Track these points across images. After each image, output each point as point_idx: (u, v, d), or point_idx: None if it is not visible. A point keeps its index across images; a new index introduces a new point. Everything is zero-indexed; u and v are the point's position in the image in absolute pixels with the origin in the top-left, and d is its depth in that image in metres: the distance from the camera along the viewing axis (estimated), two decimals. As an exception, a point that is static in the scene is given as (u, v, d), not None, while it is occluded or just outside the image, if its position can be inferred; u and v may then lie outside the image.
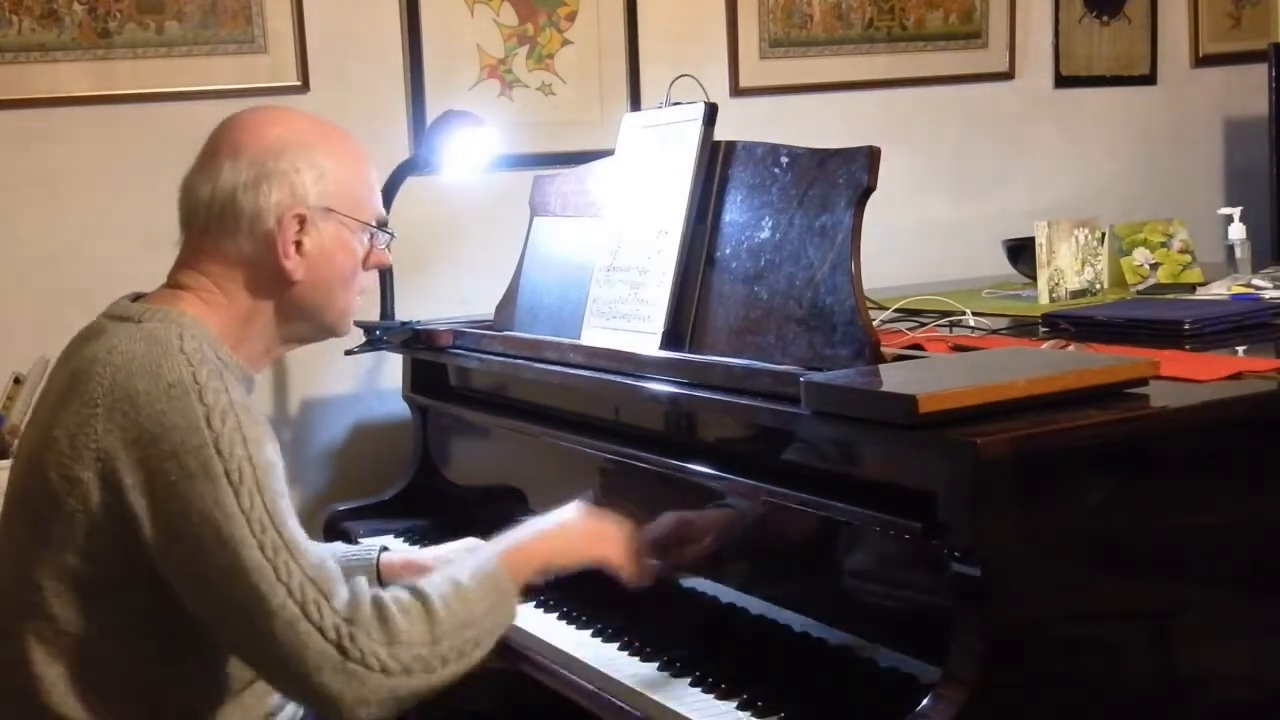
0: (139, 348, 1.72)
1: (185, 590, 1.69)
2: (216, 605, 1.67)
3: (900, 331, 2.39)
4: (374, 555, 2.18)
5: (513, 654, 2.08)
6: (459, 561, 1.85)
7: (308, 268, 1.84)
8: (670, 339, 2.14)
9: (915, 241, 3.60)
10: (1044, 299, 2.74)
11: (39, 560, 1.72)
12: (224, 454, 1.66)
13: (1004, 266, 3.15)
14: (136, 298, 1.86)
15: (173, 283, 1.87)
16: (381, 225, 1.94)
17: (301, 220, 1.82)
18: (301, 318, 1.89)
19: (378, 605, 1.68)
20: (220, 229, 1.83)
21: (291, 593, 1.63)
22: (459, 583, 1.75)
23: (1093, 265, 2.80)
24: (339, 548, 2.23)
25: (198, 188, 1.84)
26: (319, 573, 1.66)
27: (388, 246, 1.96)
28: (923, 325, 2.48)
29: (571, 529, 1.94)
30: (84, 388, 1.72)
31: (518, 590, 1.82)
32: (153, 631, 1.73)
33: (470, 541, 2.20)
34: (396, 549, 2.30)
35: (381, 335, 2.80)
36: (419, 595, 1.72)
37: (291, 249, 1.82)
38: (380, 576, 2.15)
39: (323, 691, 1.63)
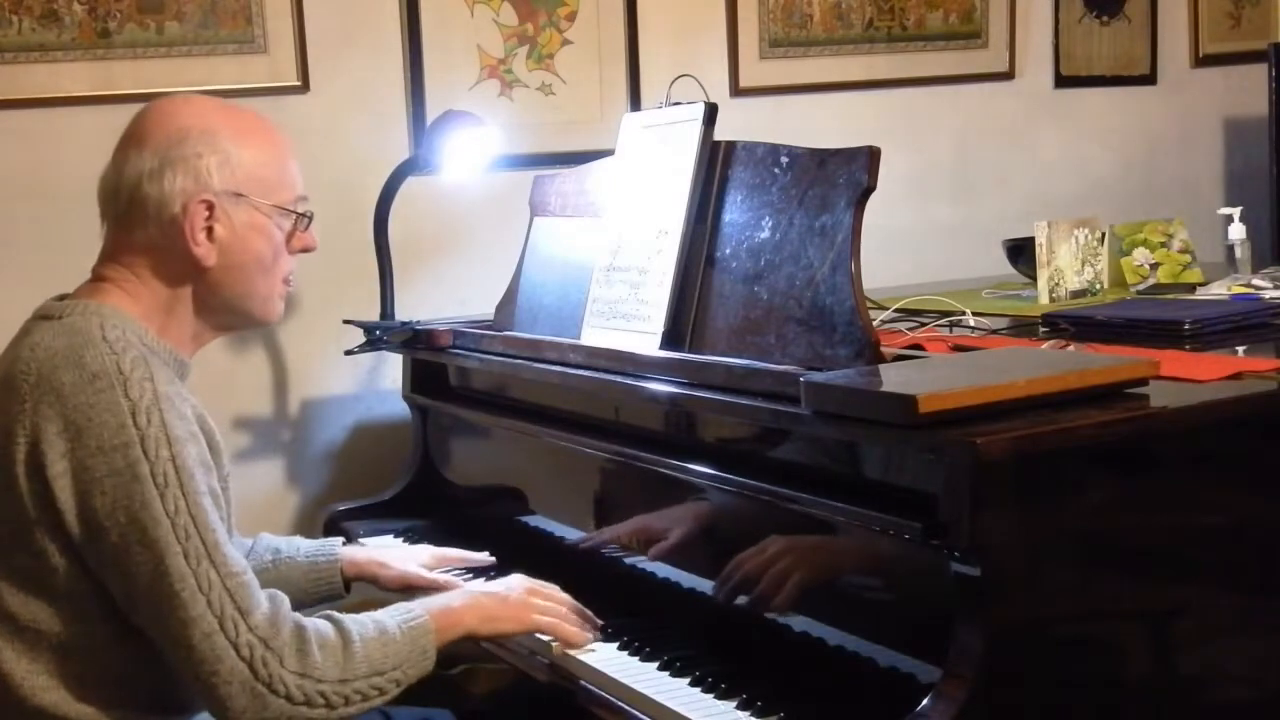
0: (60, 342, 1.75)
1: (110, 581, 1.73)
2: (140, 603, 1.71)
3: (900, 331, 2.39)
4: (336, 555, 2.23)
5: (513, 655, 2.08)
6: (392, 606, 1.89)
7: (220, 254, 1.85)
8: (670, 339, 2.14)
9: (915, 242, 3.60)
10: (1044, 299, 2.74)
11: None
12: (149, 455, 1.70)
13: (1004, 266, 3.15)
14: (63, 297, 1.87)
15: (95, 276, 1.89)
16: (302, 213, 1.92)
17: (209, 206, 1.83)
18: (223, 305, 1.90)
19: (298, 633, 1.73)
20: (130, 219, 1.85)
21: (210, 604, 1.68)
22: (384, 630, 1.81)
23: (1093, 265, 2.80)
24: (301, 543, 2.26)
25: (108, 179, 1.87)
26: (237, 585, 1.71)
27: (309, 229, 1.95)
28: (923, 325, 2.48)
29: (505, 602, 1.98)
30: (12, 386, 1.74)
31: (436, 650, 1.86)
32: (111, 617, 1.76)
33: (426, 553, 2.30)
34: (360, 548, 2.38)
35: (381, 335, 2.80)
36: (342, 632, 1.77)
37: (201, 235, 1.83)
38: (344, 574, 2.22)
39: (227, 703, 1.70)
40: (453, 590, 2.07)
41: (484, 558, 2.33)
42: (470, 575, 2.32)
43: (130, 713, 1.78)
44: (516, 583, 2.03)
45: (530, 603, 1.99)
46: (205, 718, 1.85)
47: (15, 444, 1.71)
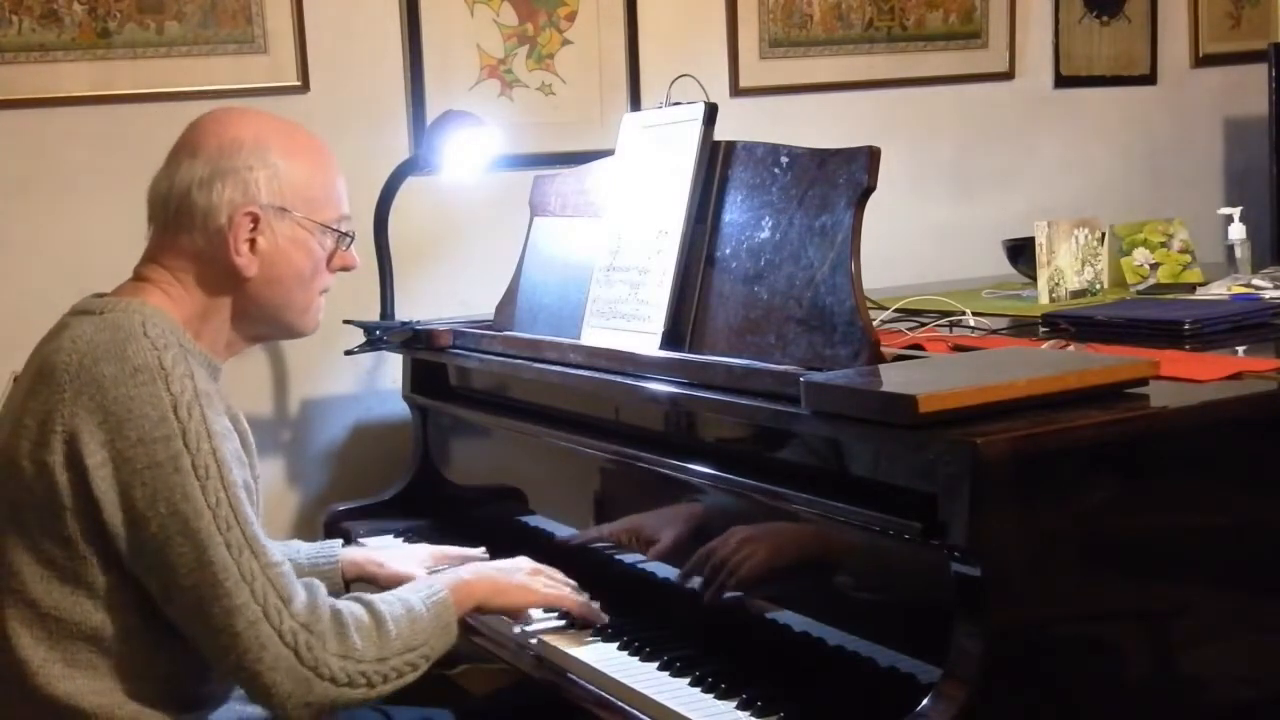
0: (104, 335, 1.77)
1: (147, 575, 1.74)
2: (180, 594, 1.73)
3: (900, 331, 2.39)
4: (337, 556, 2.24)
5: (513, 655, 2.08)
6: (412, 585, 1.94)
7: (261, 265, 1.87)
8: (670, 339, 2.14)
9: (915, 241, 3.60)
10: (1044, 299, 2.74)
11: (15, 546, 1.77)
12: (191, 447, 1.72)
13: (1004, 266, 3.15)
14: (99, 296, 1.89)
15: (136, 276, 1.91)
16: (345, 232, 1.95)
17: (255, 219, 1.85)
18: (259, 315, 1.92)
19: (336, 618, 1.77)
20: (177, 225, 1.87)
21: (254, 593, 1.71)
22: (412, 608, 1.85)
23: (1093, 265, 2.80)
24: (302, 546, 2.27)
25: (160, 184, 1.89)
26: (277, 574, 1.74)
27: (350, 248, 1.98)
28: (923, 325, 2.48)
29: (512, 577, 2.04)
30: (51, 376, 1.76)
31: (457, 623, 1.90)
32: (134, 608, 1.77)
33: (416, 555, 2.31)
34: (359, 548, 2.40)
35: (381, 335, 2.80)
36: (375, 614, 1.81)
37: (244, 246, 1.86)
38: (343, 575, 2.24)
39: (273, 689, 1.72)
40: (462, 566, 2.12)
41: (479, 553, 2.35)
42: None
43: (146, 706, 1.79)
44: (523, 561, 2.09)
45: (535, 579, 2.04)
46: (220, 713, 1.86)
47: (52, 433, 1.73)
